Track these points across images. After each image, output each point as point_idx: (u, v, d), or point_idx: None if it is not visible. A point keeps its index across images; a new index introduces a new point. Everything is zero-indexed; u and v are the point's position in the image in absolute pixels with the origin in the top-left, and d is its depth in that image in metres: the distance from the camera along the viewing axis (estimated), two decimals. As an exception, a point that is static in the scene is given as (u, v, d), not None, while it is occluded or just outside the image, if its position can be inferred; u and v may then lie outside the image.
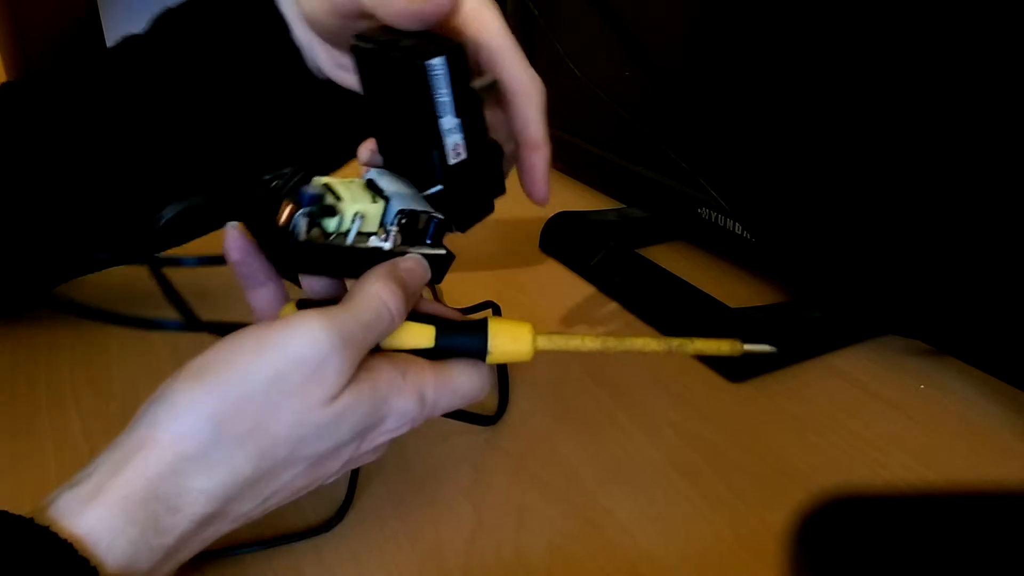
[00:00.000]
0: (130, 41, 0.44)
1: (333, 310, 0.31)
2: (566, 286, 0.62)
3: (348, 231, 0.33)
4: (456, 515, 0.38)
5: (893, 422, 0.45)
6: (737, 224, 0.58)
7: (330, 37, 0.41)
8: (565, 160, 0.86)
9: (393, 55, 0.34)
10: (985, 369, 0.48)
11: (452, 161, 0.35)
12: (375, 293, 0.32)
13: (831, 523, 0.17)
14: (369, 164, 0.38)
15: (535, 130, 0.37)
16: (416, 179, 0.36)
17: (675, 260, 0.63)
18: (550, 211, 0.69)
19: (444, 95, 0.34)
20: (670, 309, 0.55)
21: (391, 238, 0.35)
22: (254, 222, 0.34)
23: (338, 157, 0.49)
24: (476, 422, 0.44)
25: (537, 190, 0.38)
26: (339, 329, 0.30)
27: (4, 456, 0.42)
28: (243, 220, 0.35)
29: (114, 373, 0.47)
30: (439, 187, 0.35)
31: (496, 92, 0.37)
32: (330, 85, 0.43)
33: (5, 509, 0.26)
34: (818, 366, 0.51)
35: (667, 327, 0.54)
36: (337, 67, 0.42)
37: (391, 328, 0.33)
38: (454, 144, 0.35)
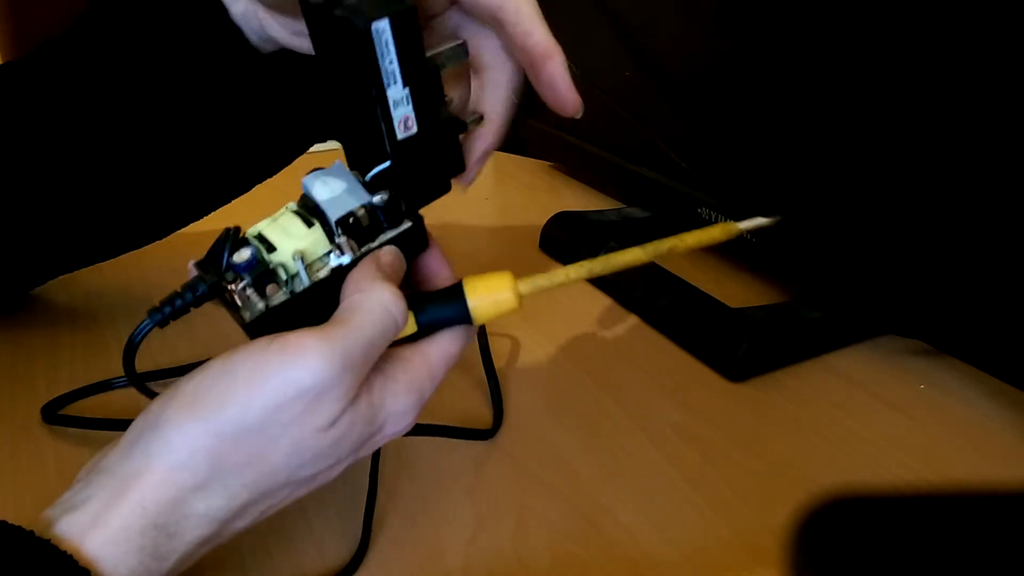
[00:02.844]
0: (74, 33, 0.43)
1: (333, 331, 0.29)
2: (566, 286, 0.62)
3: (300, 271, 0.32)
4: (456, 516, 0.38)
5: (893, 422, 0.45)
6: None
7: (280, 4, 0.38)
8: (565, 160, 0.86)
9: (336, 14, 0.31)
10: (985, 369, 0.48)
11: (401, 135, 0.32)
12: (379, 302, 0.30)
13: (831, 523, 0.17)
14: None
15: (538, 38, 0.33)
16: (368, 155, 0.34)
17: (675, 260, 0.63)
18: (550, 211, 0.69)
19: (391, 62, 0.31)
20: (671, 309, 0.55)
21: (346, 250, 0.32)
22: (221, 302, 0.32)
23: (302, 137, 0.48)
24: (473, 437, 0.44)
25: (563, 100, 0.34)
26: (341, 354, 0.28)
27: (4, 457, 0.42)
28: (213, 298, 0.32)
29: (114, 373, 0.47)
30: (387, 164, 0.33)
31: (466, 57, 0.34)
32: (284, 54, 0.41)
33: (4, 511, 0.26)
34: (818, 366, 0.51)
35: (667, 327, 0.54)
36: (293, 35, 0.40)
37: (397, 334, 0.31)
38: (403, 116, 0.32)
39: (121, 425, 0.42)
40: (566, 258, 0.65)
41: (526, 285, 0.34)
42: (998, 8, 0.39)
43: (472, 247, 0.70)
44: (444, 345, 0.33)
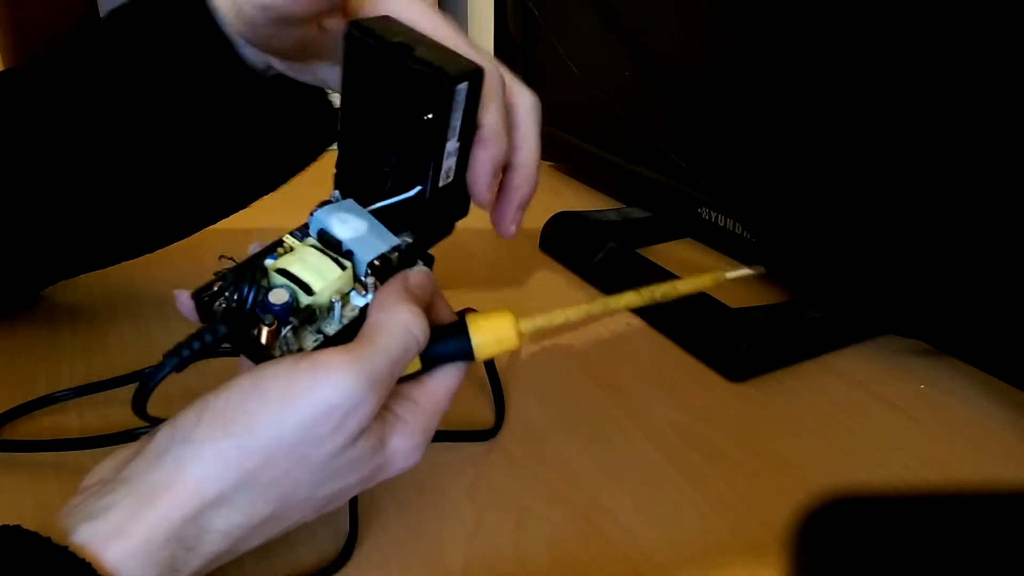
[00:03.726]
0: (81, 46, 0.43)
1: (361, 349, 0.29)
2: (566, 286, 0.62)
3: (333, 313, 0.32)
4: (457, 516, 0.38)
5: (893, 422, 0.45)
6: (737, 224, 0.58)
7: (279, 47, 0.38)
8: (565, 160, 0.86)
9: (413, 68, 0.31)
10: (985, 369, 0.48)
11: (441, 184, 0.34)
12: (401, 322, 0.31)
13: (831, 523, 0.17)
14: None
15: (532, 162, 0.36)
16: (363, 186, 0.35)
17: (676, 260, 0.63)
18: (550, 211, 0.69)
19: (456, 119, 0.32)
20: (671, 309, 0.55)
21: (370, 289, 0.33)
22: (234, 344, 0.32)
23: (303, 153, 0.49)
24: (473, 439, 0.44)
25: (506, 226, 0.38)
26: (368, 372, 0.29)
27: (4, 457, 0.42)
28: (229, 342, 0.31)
29: (115, 373, 0.47)
30: (417, 189, 0.34)
31: None
32: (281, 80, 0.42)
33: (5, 511, 0.26)
34: (818, 366, 0.51)
35: (667, 327, 0.54)
36: (295, 73, 0.41)
37: (418, 352, 0.32)
38: (448, 168, 0.33)
39: (64, 445, 0.41)
40: (566, 258, 0.65)
41: (526, 324, 0.35)
42: (1003, 10, 0.39)
43: (472, 247, 0.70)
44: (448, 381, 0.34)
